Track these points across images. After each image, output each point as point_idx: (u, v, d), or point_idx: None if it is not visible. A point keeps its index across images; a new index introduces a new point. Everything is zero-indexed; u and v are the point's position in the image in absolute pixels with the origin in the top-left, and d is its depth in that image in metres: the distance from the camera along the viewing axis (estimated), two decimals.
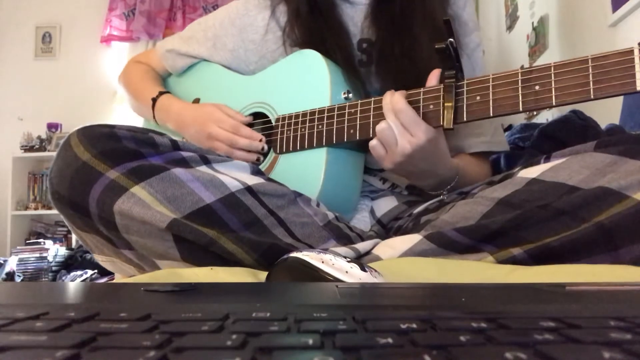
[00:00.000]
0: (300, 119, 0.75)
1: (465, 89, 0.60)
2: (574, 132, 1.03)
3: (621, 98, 1.15)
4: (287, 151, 0.76)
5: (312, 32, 0.78)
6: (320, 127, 0.72)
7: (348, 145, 0.73)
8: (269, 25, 0.83)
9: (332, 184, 0.72)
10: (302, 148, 0.74)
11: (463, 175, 0.72)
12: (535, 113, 1.92)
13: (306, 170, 0.74)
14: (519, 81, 0.56)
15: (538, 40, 1.99)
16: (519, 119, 2.02)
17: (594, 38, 1.51)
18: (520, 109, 0.56)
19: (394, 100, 0.62)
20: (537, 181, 0.53)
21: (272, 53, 0.83)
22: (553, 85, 0.54)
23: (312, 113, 0.74)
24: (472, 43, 0.81)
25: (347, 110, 0.70)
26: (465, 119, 0.60)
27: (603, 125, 1.07)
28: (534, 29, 2.03)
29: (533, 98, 0.55)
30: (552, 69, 0.55)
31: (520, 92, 0.56)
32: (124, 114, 3.36)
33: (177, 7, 3.53)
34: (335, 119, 0.71)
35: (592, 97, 0.51)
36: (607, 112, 1.27)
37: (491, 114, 0.58)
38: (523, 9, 2.21)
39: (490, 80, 0.58)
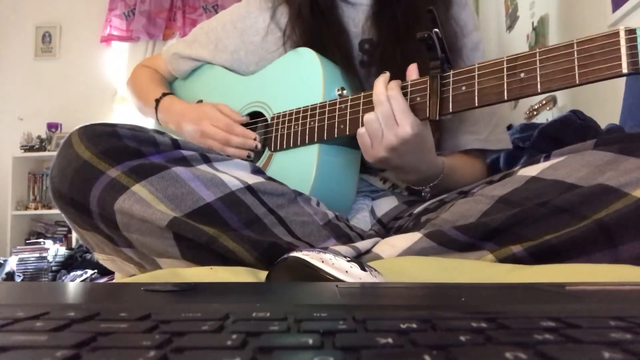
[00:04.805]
0: (293, 116, 0.75)
1: (451, 79, 0.59)
2: (574, 132, 1.03)
3: (621, 97, 1.15)
4: (282, 149, 0.76)
5: (312, 32, 0.78)
6: (312, 123, 0.72)
7: (342, 141, 0.73)
8: (269, 27, 0.84)
9: (325, 180, 0.72)
10: (295, 145, 0.74)
11: (450, 174, 0.71)
12: (535, 113, 1.92)
13: (299, 167, 0.73)
14: (504, 69, 0.55)
15: (538, 40, 1.98)
16: (519, 119, 2.02)
17: None
18: (505, 98, 0.55)
19: (390, 86, 0.62)
20: (536, 179, 0.53)
21: (271, 54, 0.84)
22: (538, 72, 0.53)
23: (305, 110, 0.74)
24: (470, 43, 0.81)
25: (337, 106, 0.70)
26: (450, 109, 0.59)
27: (603, 125, 1.07)
28: (534, 29, 2.03)
29: (518, 86, 0.54)
30: (537, 55, 0.53)
31: (505, 80, 0.55)
32: (124, 113, 3.36)
33: (177, 7, 3.53)
34: (326, 115, 0.71)
35: (577, 82, 0.50)
36: (607, 112, 1.27)
37: (476, 104, 0.57)
38: (523, 9, 2.20)
39: (476, 69, 0.57)
